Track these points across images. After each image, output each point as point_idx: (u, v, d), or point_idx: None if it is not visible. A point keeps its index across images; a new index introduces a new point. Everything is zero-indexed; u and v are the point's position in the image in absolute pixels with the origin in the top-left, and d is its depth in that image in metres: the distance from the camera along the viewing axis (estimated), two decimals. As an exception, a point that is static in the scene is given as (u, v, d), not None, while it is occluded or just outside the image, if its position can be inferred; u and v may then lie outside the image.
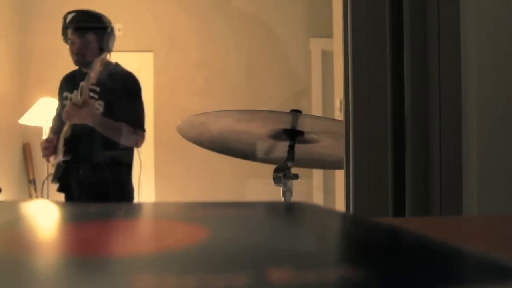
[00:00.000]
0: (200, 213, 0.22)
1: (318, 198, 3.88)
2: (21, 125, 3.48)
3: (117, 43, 4.09)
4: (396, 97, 0.71)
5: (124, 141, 1.92)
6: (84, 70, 1.95)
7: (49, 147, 1.90)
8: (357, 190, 0.72)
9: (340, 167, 1.62)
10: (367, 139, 0.71)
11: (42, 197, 3.72)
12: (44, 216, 0.26)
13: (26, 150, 3.85)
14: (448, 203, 0.65)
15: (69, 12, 2.00)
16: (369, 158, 0.71)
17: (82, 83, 1.85)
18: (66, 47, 3.92)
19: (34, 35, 3.90)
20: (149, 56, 3.95)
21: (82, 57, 1.94)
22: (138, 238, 0.16)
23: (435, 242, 0.16)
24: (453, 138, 0.65)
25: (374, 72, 0.72)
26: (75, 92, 1.94)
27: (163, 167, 4.02)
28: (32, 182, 3.79)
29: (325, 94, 4.00)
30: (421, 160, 0.69)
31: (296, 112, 1.17)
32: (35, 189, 3.78)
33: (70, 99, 1.93)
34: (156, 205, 0.26)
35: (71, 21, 1.96)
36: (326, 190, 3.93)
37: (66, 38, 1.97)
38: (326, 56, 3.97)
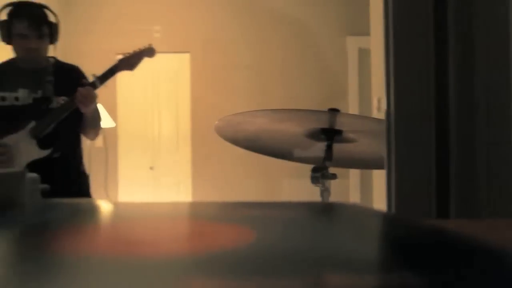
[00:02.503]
0: (244, 214, 0.22)
1: (354, 198, 3.83)
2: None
3: (155, 45, 4.15)
4: (440, 94, 0.68)
5: (93, 133, 1.89)
6: (25, 65, 1.79)
7: (6, 153, 1.73)
8: (399, 190, 0.70)
9: (379, 167, 1.58)
10: (409, 138, 0.69)
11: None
12: (91, 215, 0.27)
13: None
14: (497, 205, 0.62)
15: (7, 5, 1.77)
16: (412, 158, 0.69)
17: (94, 74, 1.73)
18: (104, 50, 4.02)
19: (76, 38, 4.03)
20: (186, 57, 4.01)
21: (37, 52, 1.76)
22: (187, 239, 0.16)
23: (498, 249, 0.15)
24: (502, 136, 0.62)
25: (417, 69, 0.70)
26: (21, 90, 1.76)
27: (200, 166, 4.07)
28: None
29: (362, 92, 3.94)
30: (467, 160, 0.66)
31: (334, 111, 1.15)
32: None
33: (16, 99, 1.76)
34: (198, 204, 0.25)
35: (19, 13, 1.74)
36: (363, 190, 3.87)
37: (7, 35, 1.75)
38: (363, 54, 3.90)
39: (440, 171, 0.68)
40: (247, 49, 4.04)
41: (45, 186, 0.57)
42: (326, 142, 1.23)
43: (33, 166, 1.70)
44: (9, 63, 1.83)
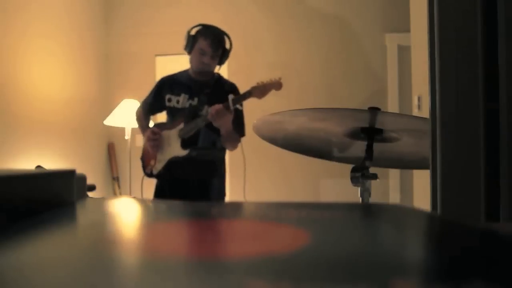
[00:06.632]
0: (295, 214, 0.21)
1: (394, 199, 3.75)
2: (106, 125, 3.71)
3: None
4: (489, 91, 0.65)
5: (229, 145, 2.17)
6: (195, 76, 2.17)
7: (159, 140, 2.13)
8: (445, 191, 0.68)
9: (421, 167, 1.54)
10: (456, 136, 0.67)
11: (128, 193, 3.94)
12: (135, 214, 0.27)
13: (110, 149, 4.10)
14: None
15: (199, 25, 2.17)
16: (458, 158, 0.67)
17: (231, 96, 2.00)
18: (144, 53, 4.13)
19: (118, 42, 4.14)
20: (223, 57, 4.03)
21: (207, 67, 2.14)
22: (243, 240, 0.16)
23: None
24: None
25: (464, 66, 0.68)
26: (182, 95, 2.14)
27: (237, 166, 4.09)
28: (116, 179, 4.02)
29: (401, 90, 3.85)
30: (519, 160, 0.63)
31: (374, 110, 1.13)
32: (118, 185, 4.01)
33: (178, 102, 2.15)
34: (247, 204, 0.25)
35: (205, 33, 2.13)
36: (403, 190, 3.78)
37: (191, 47, 2.14)
38: (403, 51, 3.82)
39: (490, 172, 0.65)
40: (287, 47, 4.03)
41: (92, 184, 0.58)
42: (366, 141, 1.21)
43: (184, 162, 2.10)
44: (184, 72, 2.23)
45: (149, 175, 2.19)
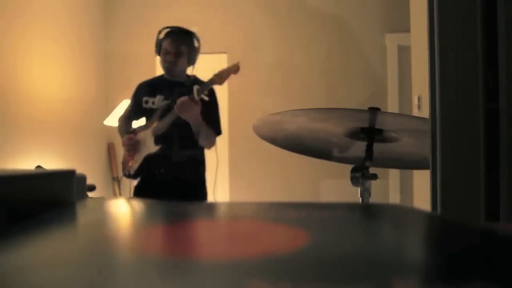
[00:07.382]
0: (295, 214, 0.21)
1: (394, 199, 3.75)
2: (106, 125, 3.71)
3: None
4: (489, 91, 0.65)
5: (204, 143, 2.18)
6: (169, 77, 2.25)
7: (135, 144, 2.20)
8: (445, 192, 0.68)
9: (421, 167, 1.54)
10: (456, 136, 0.67)
11: (129, 194, 3.94)
12: (136, 215, 0.27)
13: (110, 149, 4.10)
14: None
15: (165, 28, 2.27)
16: (459, 157, 0.67)
17: (196, 86, 2.05)
18: (144, 53, 4.15)
19: (118, 42, 4.14)
20: (223, 57, 4.03)
21: (172, 66, 2.21)
22: (243, 241, 0.16)
23: None
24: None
25: (464, 64, 0.68)
26: (158, 96, 2.20)
27: (237, 166, 4.09)
28: (115, 179, 4.02)
29: (401, 90, 3.85)
30: (519, 160, 0.63)
31: (374, 110, 1.13)
32: (118, 186, 4.01)
33: (153, 103, 2.20)
34: (247, 205, 0.25)
35: (168, 33, 2.22)
36: (403, 190, 3.78)
37: (159, 49, 2.24)
38: (403, 51, 3.82)
39: (490, 172, 0.65)
40: (286, 47, 4.03)
41: (92, 184, 0.59)
42: (366, 141, 1.21)
43: (166, 160, 2.14)
44: (159, 76, 2.33)
45: (128, 175, 2.26)
